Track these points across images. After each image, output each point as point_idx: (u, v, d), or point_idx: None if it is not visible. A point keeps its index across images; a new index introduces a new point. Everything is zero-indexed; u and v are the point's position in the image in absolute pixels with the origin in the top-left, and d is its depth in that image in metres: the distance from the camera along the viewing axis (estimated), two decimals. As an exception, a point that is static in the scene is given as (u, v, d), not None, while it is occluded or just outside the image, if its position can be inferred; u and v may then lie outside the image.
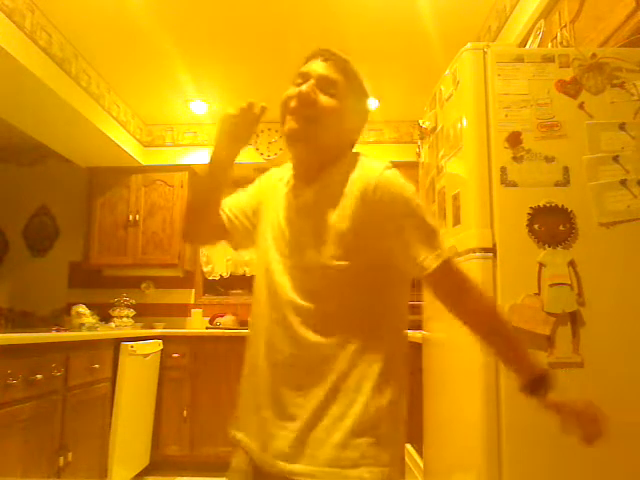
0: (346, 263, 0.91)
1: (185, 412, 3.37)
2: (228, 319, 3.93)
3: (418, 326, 2.14)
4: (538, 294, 1.50)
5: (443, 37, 2.74)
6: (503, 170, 1.57)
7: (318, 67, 0.99)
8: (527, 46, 2.11)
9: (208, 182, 1.08)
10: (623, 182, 1.53)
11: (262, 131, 4.00)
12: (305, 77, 0.99)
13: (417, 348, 2.19)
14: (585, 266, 1.50)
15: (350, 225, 0.92)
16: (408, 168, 3.36)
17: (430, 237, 0.93)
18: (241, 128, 1.02)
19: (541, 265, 1.51)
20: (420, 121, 2.14)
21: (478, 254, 1.55)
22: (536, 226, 1.54)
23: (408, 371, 1.00)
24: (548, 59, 1.63)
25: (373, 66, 3.10)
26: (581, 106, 1.59)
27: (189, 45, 3.00)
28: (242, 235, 1.12)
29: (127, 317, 3.88)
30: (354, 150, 1.05)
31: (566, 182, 1.55)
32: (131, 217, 4.00)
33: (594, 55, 1.61)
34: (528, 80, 1.62)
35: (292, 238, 0.98)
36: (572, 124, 1.58)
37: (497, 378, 1.47)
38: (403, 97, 3.62)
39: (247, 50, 3.04)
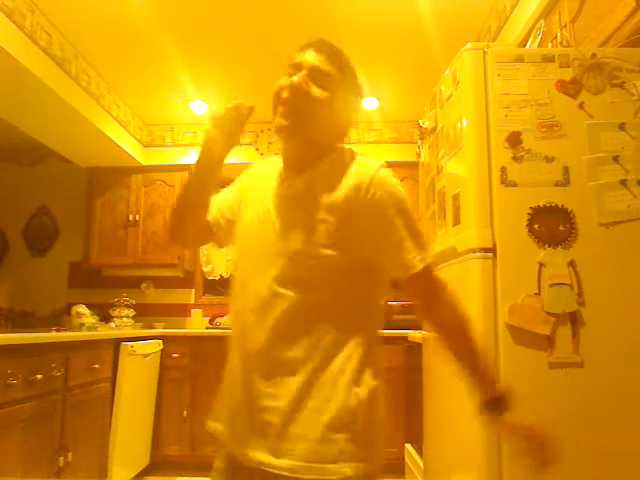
0: (333, 253, 0.91)
1: (185, 412, 3.37)
2: (228, 319, 3.94)
3: (418, 326, 2.14)
4: (538, 294, 1.50)
5: (443, 37, 2.75)
6: (503, 170, 1.57)
7: (311, 58, 0.98)
8: (527, 46, 2.11)
9: (195, 183, 1.08)
10: (623, 182, 1.54)
11: (262, 131, 4.00)
12: (298, 68, 0.98)
13: (417, 348, 2.18)
14: (585, 266, 1.50)
15: (339, 217, 0.92)
16: (408, 168, 3.46)
17: (418, 239, 0.94)
18: (228, 128, 1.01)
19: (541, 265, 1.51)
20: (420, 121, 2.14)
21: (478, 254, 1.55)
22: (536, 226, 1.54)
23: (385, 368, 0.99)
24: (548, 59, 1.63)
25: (373, 66, 3.11)
26: (581, 106, 1.59)
27: (189, 45, 3.00)
28: (228, 232, 1.11)
29: (127, 317, 3.88)
30: (348, 147, 1.04)
31: (566, 182, 1.55)
32: (131, 217, 4.00)
33: (594, 55, 1.61)
34: (528, 80, 1.62)
35: (280, 226, 0.97)
36: (572, 124, 1.58)
37: (497, 378, 1.46)
38: (403, 97, 3.62)
39: (247, 50, 3.05)
